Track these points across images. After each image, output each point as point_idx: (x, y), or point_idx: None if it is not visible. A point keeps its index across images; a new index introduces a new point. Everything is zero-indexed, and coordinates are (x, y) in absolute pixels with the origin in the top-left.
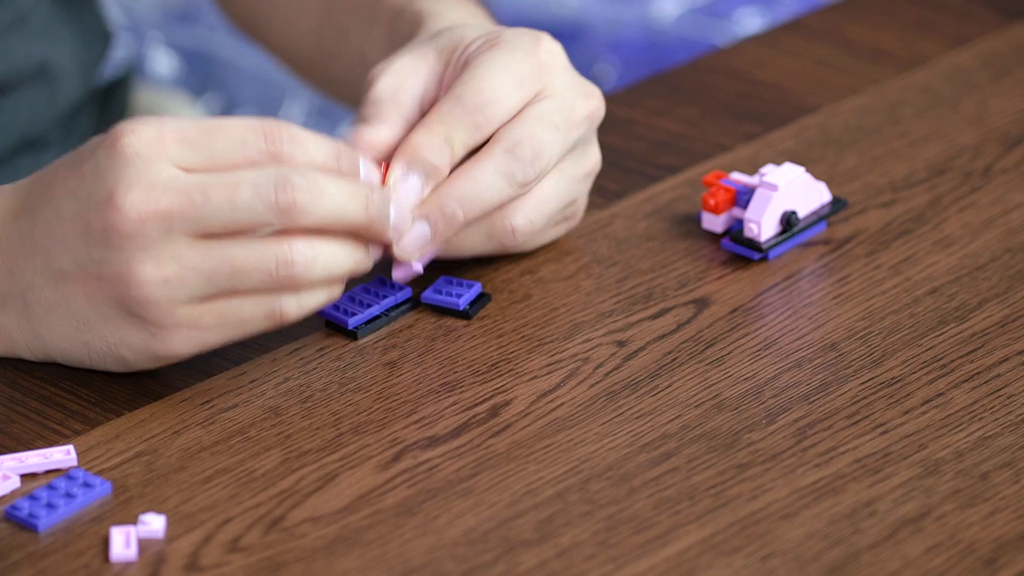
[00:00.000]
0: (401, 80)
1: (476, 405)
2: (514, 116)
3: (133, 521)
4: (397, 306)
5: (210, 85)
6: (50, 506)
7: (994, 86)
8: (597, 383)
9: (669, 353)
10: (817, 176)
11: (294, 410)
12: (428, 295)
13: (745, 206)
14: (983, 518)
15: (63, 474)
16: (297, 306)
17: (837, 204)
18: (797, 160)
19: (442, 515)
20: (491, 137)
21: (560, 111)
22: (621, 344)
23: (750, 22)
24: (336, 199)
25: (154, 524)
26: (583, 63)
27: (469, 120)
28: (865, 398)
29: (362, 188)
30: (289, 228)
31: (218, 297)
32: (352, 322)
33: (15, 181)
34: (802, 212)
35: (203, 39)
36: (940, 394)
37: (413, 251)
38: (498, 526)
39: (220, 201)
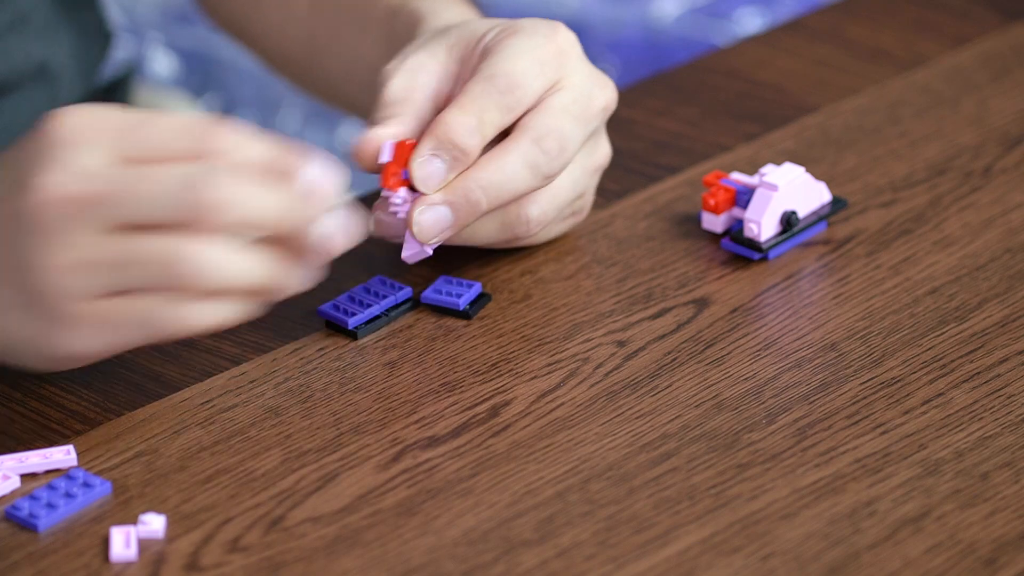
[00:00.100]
0: (413, 79)
1: (476, 405)
2: (537, 104)
3: (133, 521)
4: (397, 306)
5: (210, 85)
6: (50, 506)
7: (994, 86)
8: (597, 383)
9: (669, 353)
10: (817, 176)
11: (294, 410)
12: (428, 295)
13: (745, 206)
14: (983, 518)
15: (63, 474)
16: (212, 314)
17: (837, 204)
18: (797, 160)
19: (442, 515)
20: (515, 124)
21: (579, 102)
22: (621, 344)
23: (750, 22)
24: (259, 201)
25: (154, 524)
26: None
27: (501, 101)
28: (865, 398)
29: (289, 197)
30: (203, 228)
31: (121, 294)
32: (352, 322)
33: None
34: (802, 212)
35: (203, 40)
36: (940, 394)
37: (432, 234)
38: (498, 526)
39: (134, 192)
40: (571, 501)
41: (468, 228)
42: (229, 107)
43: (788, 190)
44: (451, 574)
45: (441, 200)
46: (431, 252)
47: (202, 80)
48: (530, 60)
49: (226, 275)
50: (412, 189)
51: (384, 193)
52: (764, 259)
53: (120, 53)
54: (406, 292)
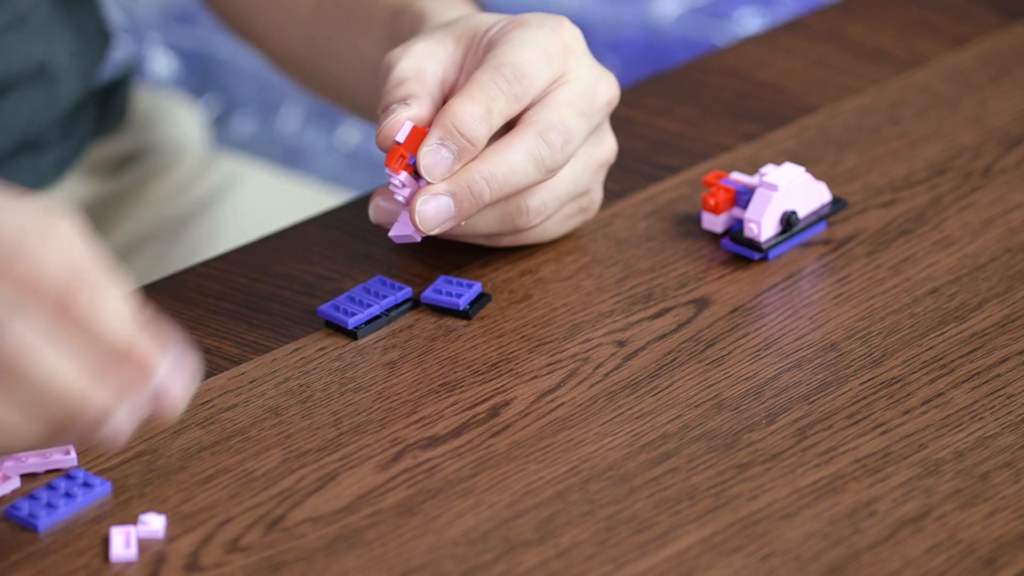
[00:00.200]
0: (421, 63)
1: (476, 405)
2: (542, 97)
3: (133, 521)
4: (397, 306)
5: (209, 86)
6: (50, 506)
7: (994, 86)
8: (597, 383)
9: (669, 353)
10: (817, 176)
11: (294, 410)
12: (428, 295)
13: (745, 206)
14: (983, 518)
15: (63, 474)
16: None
17: (837, 204)
18: (797, 160)
19: (442, 515)
20: (520, 117)
21: (583, 97)
22: (621, 344)
23: (750, 22)
24: (57, 380)
25: (154, 524)
26: None
27: (508, 90)
28: (865, 398)
29: (108, 387)
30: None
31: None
32: (352, 322)
33: (14, 181)
34: (802, 212)
35: (202, 40)
36: (940, 394)
37: (434, 224)
38: (498, 526)
39: None
40: (571, 501)
41: (470, 220)
42: (229, 107)
43: (788, 190)
44: (451, 574)
45: (444, 190)
46: (420, 239)
47: (202, 80)
48: (537, 51)
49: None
50: (416, 175)
51: (388, 172)
52: (764, 259)
53: (120, 53)
54: (406, 292)
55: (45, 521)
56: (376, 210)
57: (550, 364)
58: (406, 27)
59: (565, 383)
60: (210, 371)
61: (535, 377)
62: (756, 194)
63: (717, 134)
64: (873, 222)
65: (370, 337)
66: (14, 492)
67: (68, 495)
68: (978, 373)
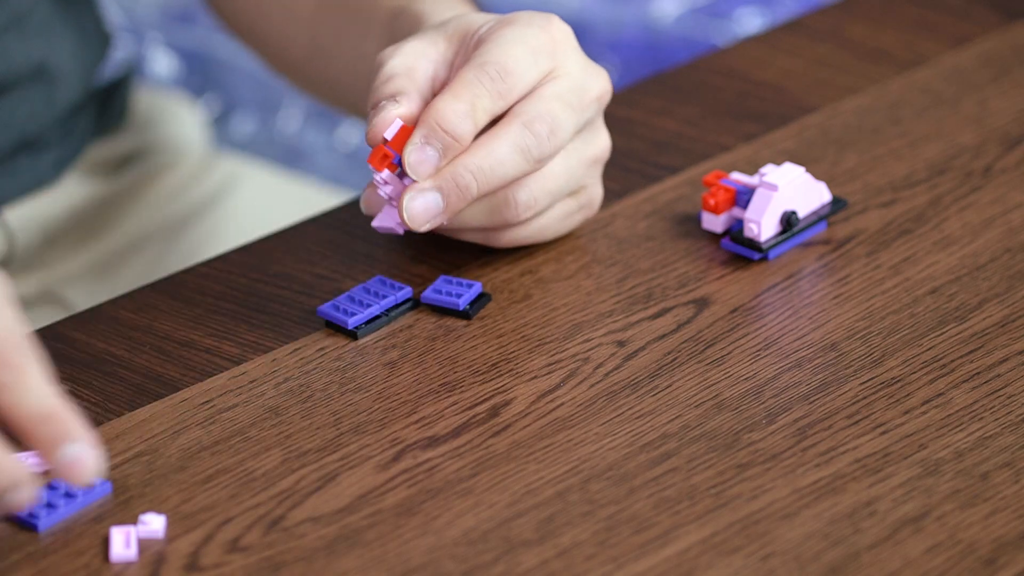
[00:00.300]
0: (412, 60)
1: (476, 405)
2: (530, 92)
3: (133, 521)
4: (397, 306)
5: (209, 86)
6: (50, 506)
7: (994, 86)
8: (597, 383)
9: (669, 353)
10: (817, 176)
11: (294, 410)
12: (428, 295)
13: (745, 206)
14: (983, 518)
15: None
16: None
17: (837, 204)
18: (797, 160)
19: (442, 515)
20: (507, 112)
21: (573, 91)
22: (621, 344)
23: (750, 22)
24: None
25: (154, 524)
26: None
27: (492, 88)
28: (865, 398)
29: (17, 469)
30: None
31: None
32: (352, 322)
33: (13, 181)
34: (802, 212)
35: (202, 40)
36: (940, 394)
37: (423, 220)
38: (498, 526)
39: None
40: (571, 501)
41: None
42: (229, 107)
43: (788, 190)
44: (451, 574)
45: (431, 186)
46: (402, 232)
47: (202, 80)
48: (523, 49)
49: None
50: (399, 174)
51: (371, 169)
52: (764, 259)
53: (120, 53)
54: (406, 292)
55: (45, 521)
56: (366, 202)
57: (550, 364)
58: (405, 28)
59: (565, 383)
60: (210, 371)
61: (535, 377)
62: (756, 194)
63: (717, 134)
64: (873, 222)
65: (370, 337)
66: None
67: (68, 495)
68: (978, 373)
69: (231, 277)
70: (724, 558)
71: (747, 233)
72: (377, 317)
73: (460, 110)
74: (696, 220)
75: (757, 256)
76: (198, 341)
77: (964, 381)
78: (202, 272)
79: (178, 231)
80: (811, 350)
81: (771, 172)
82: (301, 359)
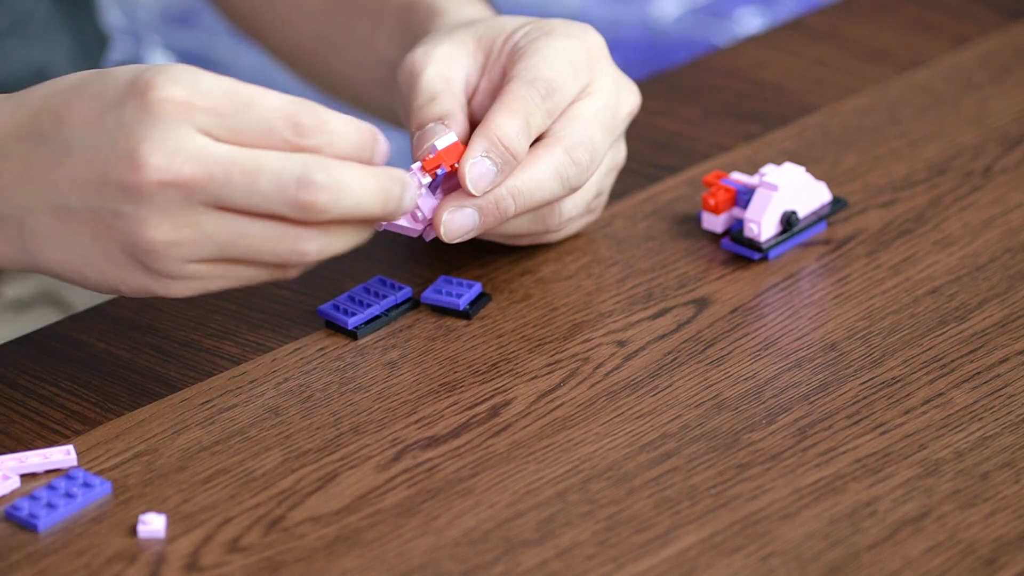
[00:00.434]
0: (446, 68)
1: (476, 405)
2: (568, 109)
3: (133, 521)
4: (397, 306)
5: None
6: (50, 506)
7: (994, 86)
8: (597, 383)
9: (669, 353)
10: (817, 176)
11: (294, 410)
12: (428, 295)
13: (745, 206)
14: (983, 518)
15: (63, 474)
16: (300, 272)
17: (837, 204)
18: (797, 160)
19: (442, 515)
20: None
21: (608, 109)
22: (621, 344)
23: (750, 22)
24: (356, 198)
25: (154, 524)
26: None
27: (543, 106)
28: (865, 398)
29: (383, 184)
30: (307, 221)
31: (227, 261)
32: (352, 322)
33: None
34: (802, 212)
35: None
36: (940, 394)
37: (458, 235)
38: (498, 526)
39: (240, 184)
40: (571, 501)
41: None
42: None
43: (788, 190)
44: (451, 574)
45: (471, 203)
46: (415, 235)
47: None
48: (566, 64)
49: (341, 248)
50: (432, 186)
51: (413, 168)
52: (764, 259)
53: (118, 55)
54: (406, 292)
55: (45, 521)
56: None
57: (550, 364)
58: (419, 22)
59: (565, 383)
60: (210, 371)
61: (535, 377)
62: (756, 194)
63: (717, 134)
64: (873, 222)
65: (370, 337)
66: (14, 492)
67: (68, 495)
68: (978, 373)
69: None
70: (724, 558)
71: (747, 233)
72: (377, 317)
73: (517, 126)
74: (696, 220)
75: (757, 256)
76: (198, 341)
77: (964, 381)
78: None
79: None
80: (811, 350)
81: (771, 172)
82: (301, 359)
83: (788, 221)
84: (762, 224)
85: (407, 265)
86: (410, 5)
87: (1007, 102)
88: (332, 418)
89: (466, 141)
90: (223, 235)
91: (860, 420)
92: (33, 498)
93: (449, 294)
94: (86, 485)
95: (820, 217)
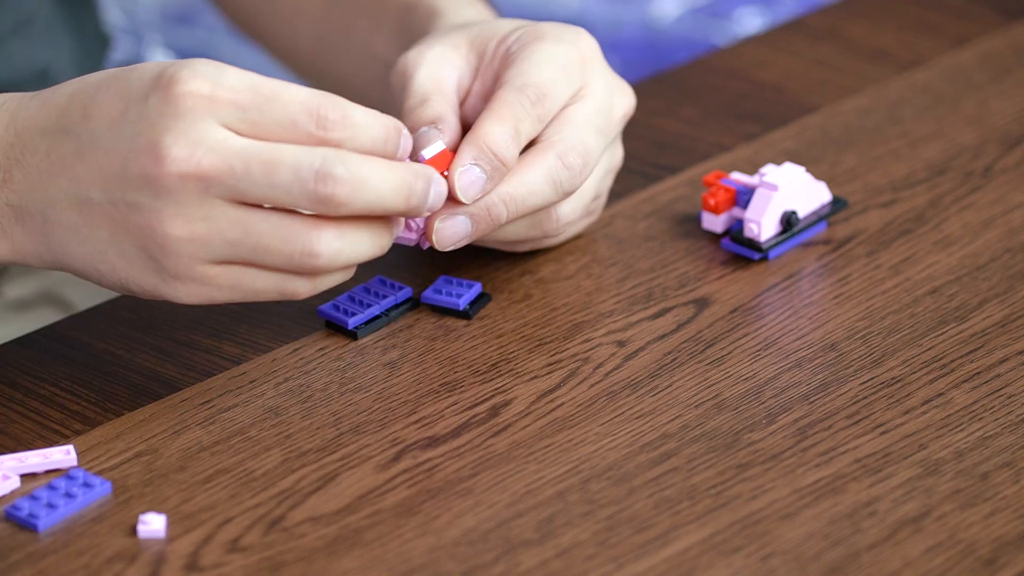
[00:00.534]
0: (439, 70)
1: (476, 405)
2: (561, 113)
3: (133, 521)
4: (397, 306)
5: None
6: (50, 506)
7: (994, 86)
8: (597, 383)
9: (669, 353)
10: (817, 176)
11: (294, 410)
12: (428, 295)
13: (745, 206)
14: (983, 518)
15: (63, 474)
16: (311, 288)
17: (837, 204)
18: (797, 160)
19: (442, 515)
20: (539, 135)
21: (602, 112)
22: (621, 344)
23: (750, 22)
24: (377, 192)
25: (154, 524)
26: None
27: (533, 112)
28: (865, 398)
29: (406, 179)
30: (326, 215)
31: (237, 263)
32: (352, 322)
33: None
34: (802, 212)
35: (202, 41)
36: (940, 394)
37: (450, 242)
38: (498, 526)
39: (259, 176)
40: (571, 501)
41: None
42: None
43: (788, 190)
44: (451, 574)
45: (463, 210)
46: (412, 244)
47: None
48: (557, 69)
49: (355, 256)
50: None
51: None
52: (764, 259)
53: (119, 55)
54: (406, 292)
55: (45, 521)
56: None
57: (550, 364)
58: (419, 23)
59: (565, 383)
60: (210, 371)
61: (535, 377)
62: (756, 194)
63: (717, 134)
64: (873, 222)
65: (370, 337)
66: (14, 492)
67: (68, 495)
68: (978, 373)
69: None
70: (724, 558)
71: (747, 233)
72: (377, 317)
73: (506, 134)
74: (696, 220)
75: (757, 256)
76: (198, 341)
77: (964, 381)
78: None
79: None
80: (811, 350)
81: (771, 172)
82: (301, 359)
83: (788, 221)
84: (762, 224)
85: (407, 265)
86: (410, 6)
87: (1007, 102)
88: (332, 418)
89: (457, 144)
90: (235, 231)
91: (860, 420)
92: (33, 498)
93: (449, 294)
94: (86, 485)
95: (820, 217)
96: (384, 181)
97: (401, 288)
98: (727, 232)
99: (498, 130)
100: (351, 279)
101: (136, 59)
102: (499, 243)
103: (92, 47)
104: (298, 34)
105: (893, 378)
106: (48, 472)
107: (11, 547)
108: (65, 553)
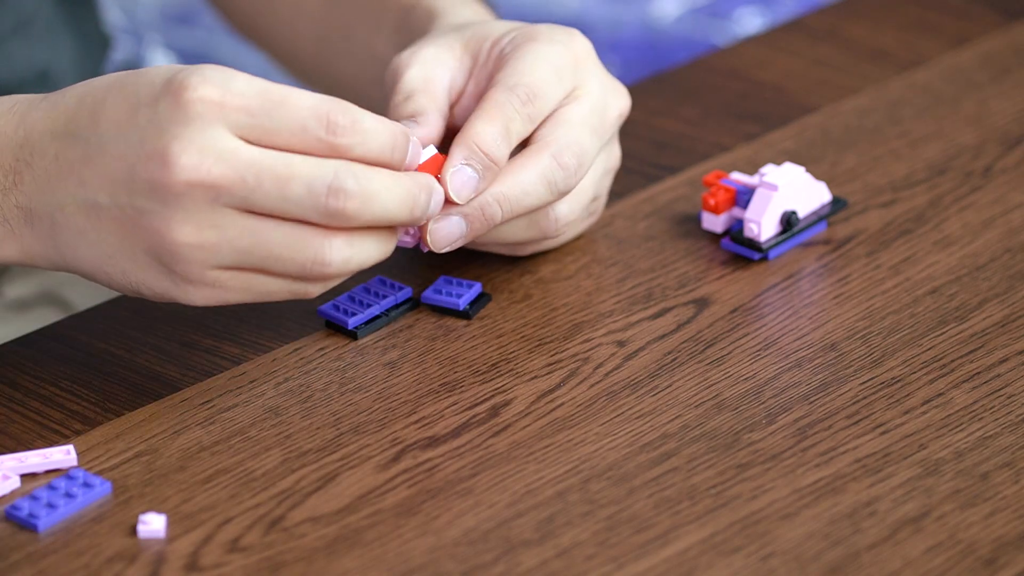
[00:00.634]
0: (430, 70)
1: (476, 405)
2: (555, 114)
3: (133, 521)
4: (397, 306)
5: None
6: (50, 506)
7: (994, 86)
8: (597, 383)
9: (669, 353)
10: (817, 176)
11: (294, 410)
12: (428, 295)
13: (745, 206)
14: (983, 518)
15: (63, 474)
16: (322, 288)
17: (837, 204)
18: (797, 160)
19: (442, 515)
20: (533, 135)
21: (596, 112)
22: (621, 344)
23: (750, 22)
24: (384, 205)
25: (154, 524)
26: None
27: (524, 111)
28: (865, 398)
29: (412, 190)
30: (334, 226)
31: (247, 269)
32: (352, 322)
33: None
34: (802, 212)
35: (202, 41)
36: (940, 394)
37: (445, 243)
38: (498, 526)
39: (270, 189)
40: (571, 501)
41: (496, 229)
42: None
43: (788, 190)
44: (451, 574)
45: (457, 211)
46: (412, 245)
47: None
48: (549, 69)
49: (364, 262)
50: None
51: None
52: (764, 259)
53: (119, 55)
54: (406, 292)
55: (45, 521)
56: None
57: (550, 364)
58: (418, 24)
59: (565, 383)
60: (210, 371)
61: (535, 377)
62: (756, 194)
63: (717, 134)
64: (873, 222)
65: (370, 337)
66: (14, 492)
67: (68, 495)
68: (978, 373)
69: None
70: (724, 558)
71: (747, 233)
72: (377, 317)
73: (496, 133)
74: (696, 220)
75: (757, 256)
76: (198, 341)
77: (964, 381)
78: None
79: None
80: (811, 350)
81: (771, 172)
82: (301, 359)
83: (788, 221)
84: (762, 224)
85: (407, 265)
86: (409, 7)
87: (1007, 102)
88: (332, 418)
89: (441, 141)
90: (246, 240)
91: (860, 420)
92: (33, 498)
93: (449, 294)
94: (86, 485)
95: (820, 217)
96: (391, 194)
97: (401, 288)
98: (727, 232)
99: (488, 129)
100: (351, 279)
101: (136, 59)
102: (500, 245)
103: (92, 47)
104: (298, 35)
105: (893, 378)
106: (48, 472)
107: (11, 547)
108: (65, 553)
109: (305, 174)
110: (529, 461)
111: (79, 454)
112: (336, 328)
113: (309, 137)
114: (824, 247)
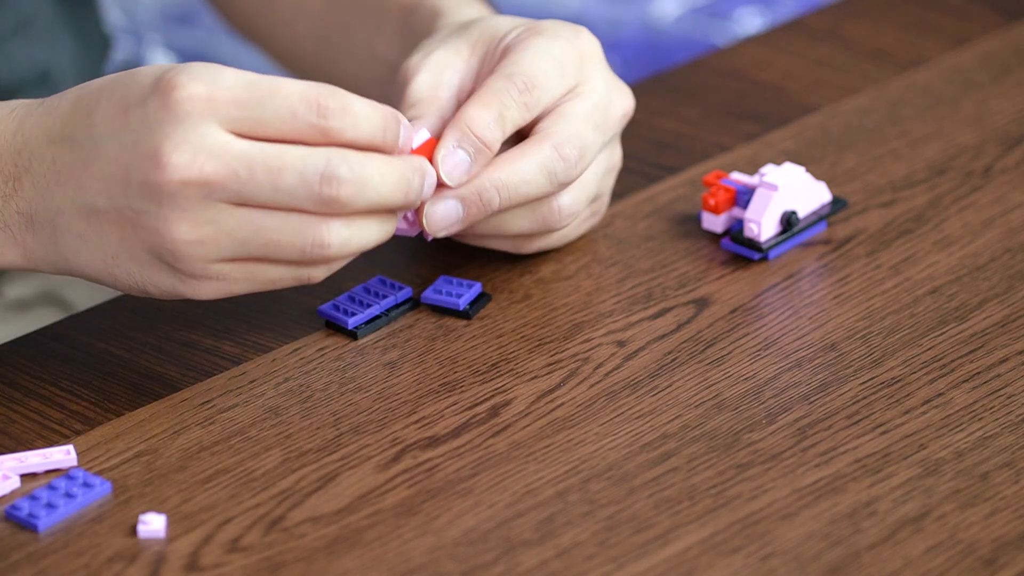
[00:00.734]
0: (438, 75)
1: (476, 405)
2: (556, 108)
3: (133, 521)
4: (397, 306)
5: None
6: (50, 506)
7: (994, 86)
8: (597, 383)
9: (669, 353)
10: (817, 176)
11: (294, 410)
12: (428, 295)
13: (745, 206)
14: (983, 518)
15: (63, 474)
16: (326, 271)
17: (837, 204)
18: (797, 160)
19: (442, 515)
20: (534, 126)
21: (599, 109)
22: (621, 344)
23: (750, 22)
24: (378, 190)
25: (154, 524)
26: None
27: (520, 99)
28: (865, 398)
29: (405, 174)
30: (330, 214)
31: (249, 259)
32: (352, 322)
33: None
34: (802, 212)
35: (202, 41)
36: (940, 394)
37: (441, 226)
38: (498, 526)
39: (263, 181)
40: (571, 501)
41: (499, 219)
42: None
43: (788, 190)
44: (451, 574)
45: (454, 194)
46: (414, 234)
47: None
48: (550, 61)
49: (364, 243)
50: None
51: None
52: (764, 259)
53: (119, 55)
54: (406, 292)
55: (45, 521)
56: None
57: (550, 364)
58: (421, 24)
59: (565, 383)
60: (210, 371)
61: (535, 377)
62: (756, 194)
63: (717, 134)
64: (873, 222)
65: (370, 337)
66: (14, 492)
67: (68, 495)
68: (978, 373)
69: None
70: (724, 558)
71: (747, 233)
72: (377, 317)
73: (489, 117)
74: (696, 220)
75: (757, 256)
76: (198, 341)
77: (964, 381)
78: None
79: None
80: (811, 350)
81: (771, 172)
82: (301, 359)
83: (788, 221)
84: (762, 224)
85: (407, 265)
86: (411, 6)
87: (1007, 102)
88: (332, 418)
89: None
90: (243, 231)
91: (860, 420)
92: (33, 498)
93: (449, 294)
94: (86, 485)
95: (820, 217)
96: (384, 179)
97: (401, 288)
98: (727, 232)
99: (482, 113)
100: (351, 279)
101: (136, 59)
102: (504, 239)
103: (93, 47)
104: (298, 35)
105: (893, 378)
106: (48, 472)
107: (11, 547)
108: (65, 553)
109: (297, 163)
110: (529, 461)
111: (79, 454)
112: (336, 328)
113: (300, 123)
114: (824, 247)
